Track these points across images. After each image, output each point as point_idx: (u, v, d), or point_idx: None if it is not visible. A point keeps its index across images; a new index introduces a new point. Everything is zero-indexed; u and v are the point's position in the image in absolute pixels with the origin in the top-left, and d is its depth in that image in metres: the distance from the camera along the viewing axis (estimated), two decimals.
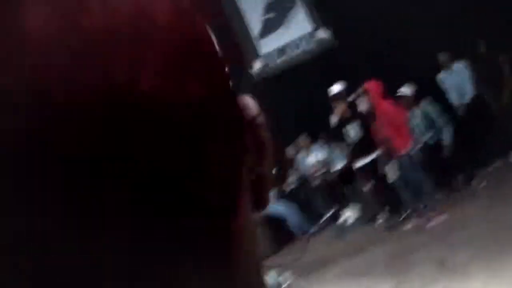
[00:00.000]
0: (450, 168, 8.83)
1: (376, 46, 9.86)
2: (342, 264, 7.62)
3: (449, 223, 7.29)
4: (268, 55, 11.49)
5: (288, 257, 9.14)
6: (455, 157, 8.76)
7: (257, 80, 11.16)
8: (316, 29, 11.14)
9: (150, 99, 0.30)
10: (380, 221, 9.05)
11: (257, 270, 0.39)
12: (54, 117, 0.28)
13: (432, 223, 7.65)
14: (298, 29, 11.28)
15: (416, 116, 9.07)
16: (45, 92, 0.28)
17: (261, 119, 0.41)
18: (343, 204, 10.40)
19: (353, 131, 8.91)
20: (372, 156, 8.79)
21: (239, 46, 11.10)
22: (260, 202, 0.41)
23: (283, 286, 6.30)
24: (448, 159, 8.85)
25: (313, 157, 10.96)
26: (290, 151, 11.30)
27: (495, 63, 9.02)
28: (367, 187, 9.42)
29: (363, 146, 8.84)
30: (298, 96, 10.59)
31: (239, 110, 0.37)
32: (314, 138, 10.86)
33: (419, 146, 8.60)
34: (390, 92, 8.55)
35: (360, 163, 9.03)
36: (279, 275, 7.05)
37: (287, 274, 7.17)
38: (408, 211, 8.44)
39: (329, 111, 9.10)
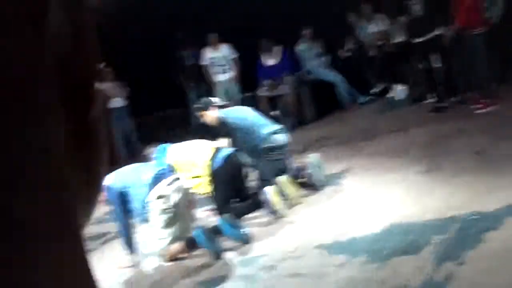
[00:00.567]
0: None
1: None
2: (381, 139, 7.56)
3: (498, 115, 7.04)
4: None
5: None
6: None
7: None
8: None
9: None
10: (429, 101, 8.80)
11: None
12: None
13: (481, 110, 7.40)
14: None
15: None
16: None
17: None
18: (395, 78, 10.19)
19: (417, 5, 8.53)
20: (435, 33, 8.41)
21: None
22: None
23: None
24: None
25: (373, 26, 10.65)
26: (351, 17, 11.00)
27: None
28: (422, 65, 9.12)
29: (426, 22, 8.46)
30: None
31: None
32: (376, 8, 10.48)
33: (486, 29, 8.04)
34: None
35: (420, 39, 8.67)
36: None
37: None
38: (460, 96, 8.18)
39: None
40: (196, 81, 11.66)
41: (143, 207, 5.27)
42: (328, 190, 5.97)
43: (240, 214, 5.59)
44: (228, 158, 5.63)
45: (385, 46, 10.46)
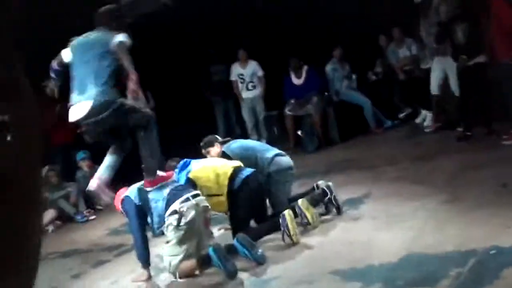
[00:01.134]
0: None
1: None
2: (405, 165, 7.47)
3: None
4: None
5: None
6: None
7: None
8: None
9: None
10: (457, 129, 8.66)
11: None
12: None
13: (510, 142, 7.26)
14: None
15: None
16: None
17: None
18: (423, 104, 10.08)
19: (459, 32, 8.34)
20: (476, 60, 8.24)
21: None
22: None
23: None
24: None
25: (404, 50, 10.57)
26: (382, 40, 10.95)
27: None
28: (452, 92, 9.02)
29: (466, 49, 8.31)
30: None
31: None
32: (407, 33, 10.41)
33: None
34: None
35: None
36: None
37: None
38: (489, 126, 8.02)
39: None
40: (224, 96, 11.68)
41: (160, 222, 5.24)
42: (346, 214, 5.89)
43: (256, 236, 5.53)
44: (248, 178, 5.58)
45: (414, 71, 10.37)
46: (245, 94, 11.23)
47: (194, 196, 5.20)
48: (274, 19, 11.55)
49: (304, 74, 10.64)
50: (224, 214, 5.86)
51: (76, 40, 5.46)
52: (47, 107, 10.56)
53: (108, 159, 5.58)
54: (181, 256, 5.08)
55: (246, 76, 11.25)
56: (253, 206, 5.67)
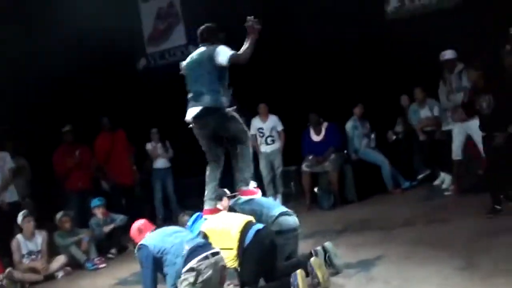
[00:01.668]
0: None
1: None
2: (422, 228, 7.34)
3: None
4: (151, 55, 14.10)
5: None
6: None
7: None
8: (188, 44, 13.26)
9: None
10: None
11: None
12: None
13: None
14: (176, 41, 13.85)
15: None
16: None
17: None
18: (443, 166, 9.98)
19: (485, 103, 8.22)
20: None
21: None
22: None
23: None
24: None
25: (426, 111, 10.51)
26: (403, 99, 10.92)
27: None
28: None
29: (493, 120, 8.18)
30: None
31: None
32: (429, 93, 10.36)
33: None
34: None
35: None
36: None
37: None
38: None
39: None
40: None
41: (176, 278, 5.16)
42: (358, 276, 5.76)
43: None
44: (258, 233, 5.47)
45: (435, 133, 10.30)
46: (264, 148, 11.20)
47: (214, 254, 5.11)
48: (295, 73, 11.60)
49: (323, 131, 10.60)
50: (234, 270, 5.74)
51: (189, 57, 6.51)
52: (67, 151, 10.63)
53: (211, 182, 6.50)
54: None
55: (266, 130, 11.23)
56: (263, 262, 5.55)
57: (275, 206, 6.28)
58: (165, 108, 12.61)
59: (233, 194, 6.58)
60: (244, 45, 6.02)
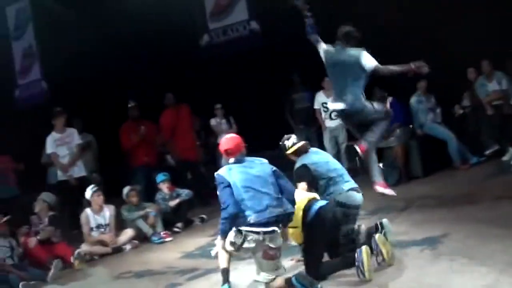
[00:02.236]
0: None
1: None
2: (489, 206, 7.16)
3: None
4: (214, 31, 13.80)
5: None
6: None
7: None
8: (250, 19, 13.19)
9: None
10: None
11: None
12: None
13: None
14: (238, 16, 13.52)
15: None
16: None
17: None
18: (511, 141, 9.72)
19: None
20: None
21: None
22: None
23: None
24: None
25: (494, 85, 10.25)
26: (470, 73, 10.67)
27: None
28: None
29: None
30: None
31: None
32: (497, 66, 10.09)
33: None
34: None
35: None
36: None
37: None
38: None
39: None
40: (306, 124, 11.62)
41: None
42: (423, 254, 5.70)
43: (329, 270, 5.43)
44: (321, 209, 5.46)
45: (504, 107, 10.04)
46: (328, 123, 11.15)
47: (266, 233, 5.08)
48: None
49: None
50: (299, 246, 5.75)
51: (334, 51, 7.15)
52: (132, 127, 10.83)
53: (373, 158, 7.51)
54: None
55: (330, 105, 11.17)
56: (326, 238, 5.55)
57: (345, 178, 6.22)
58: (228, 84, 12.68)
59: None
60: (393, 66, 7.08)
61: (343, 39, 7.08)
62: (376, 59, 6.99)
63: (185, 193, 9.77)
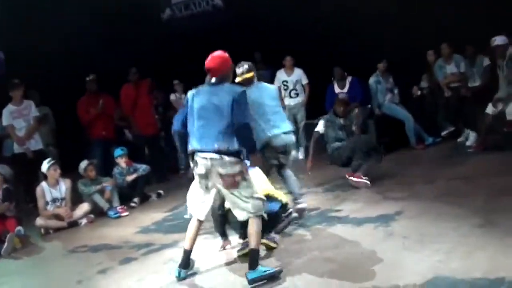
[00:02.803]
0: None
1: None
2: (442, 185, 7.31)
3: None
4: (176, 6, 13.90)
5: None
6: None
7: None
8: None
9: None
10: None
11: None
12: None
13: None
14: None
15: None
16: None
17: None
18: (467, 123, 9.88)
19: None
20: None
21: None
22: None
23: None
24: None
25: (452, 67, 10.38)
26: (429, 55, 10.80)
27: None
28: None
29: None
30: None
31: None
32: (456, 49, 10.23)
33: None
34: None
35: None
36: None
37: None
38: None
39: None
40: None
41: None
42: (377, 231, 5.78)
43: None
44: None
45: (461, 89, 10.18)
46: (288, 101, 11.18)
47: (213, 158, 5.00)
48: (321, 27, 11.49)
49: (347, 85, 10.55)
50: None
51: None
52: (91, 100, 10.69)
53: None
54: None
55: (290, 83, 11.21)
56: None
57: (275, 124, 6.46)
58: (189, 59, 12.59)
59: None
60: None
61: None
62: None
63: (142, 168, 9.71)
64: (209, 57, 5.29)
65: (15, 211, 8.42)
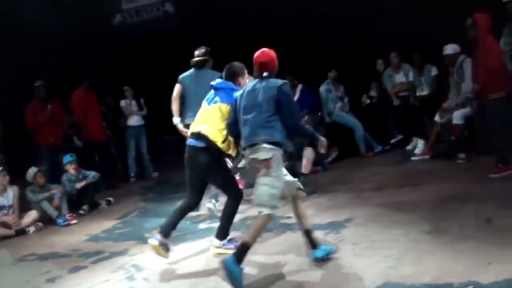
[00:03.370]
0: None
1: None
2: (392, 192, 7.43)
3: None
4: (127, 12, 13.87)
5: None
6: None
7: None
8: (164, 1, 13.30)
9: None
10: (461, 161, 8.58)
11: None
12: None
13: (499, 174, 7.25)
14: None
15: None
16: None
17: None
18: (415, 131, 10.08)
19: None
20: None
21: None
22: None
23: None
24: None
25: (401, 76, 10.56)
26: (378, 64, 10.97)
27: None
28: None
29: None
30: None
31: None
32: (405, 58, 10.42)
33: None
34: None
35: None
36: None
37: None
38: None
39: None
40: None
41: None
42: (327, 237, 5.82)
43: None
44: None
45: (409, 98, 10.36)
46: None
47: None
48: (272, 35, 11.54)
49: (298, 93, 10.61)
50: None
51: None
52: (39, 106, 10.52)
53: None
54: None
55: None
56: None
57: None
58: (140, 66, 12.52)
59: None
60: None
61: None
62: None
63: (91, 175, 9.60)
64: (260, 53, 5.43)
65: None
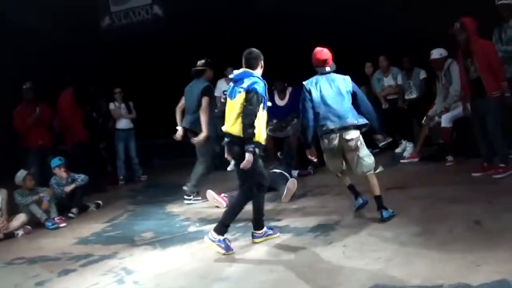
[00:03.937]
0: None
1: None
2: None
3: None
4: (115, 14, 13.84)
5: None
6: None
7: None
8: (153, 3, 13.31)
9: None
10: (449, 164, 8.64)
11: None
12: None
13: (498, 175, 7.32)
14: (141, 0, 13.57)
15: None
16: None
17: None
18: (404, 134, 10.12)
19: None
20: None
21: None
22: None
23: None
24: None
25: (390, 80, 10.61)
26: (367, 67, 11.01)
27: None
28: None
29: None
30: None
31: None
32: (393, 62, 10.47)
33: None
34: None
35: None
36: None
37: None
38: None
39: None
40: None
41: None
42: (318, 240, 5.84)
43: None
44: None
45: (398, 101, 10.40)
46: None
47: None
48: (262, 37, 11.56)
49: (288, 96, 10.60)
50: None
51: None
52: (27, 109, 10.48)
53: None
54: None
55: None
56: None
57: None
58: (128, 69, 12.50)
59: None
60: None
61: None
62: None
63: (80, 178, 9.54)
64: (318, 51, 6.62)
65: None
